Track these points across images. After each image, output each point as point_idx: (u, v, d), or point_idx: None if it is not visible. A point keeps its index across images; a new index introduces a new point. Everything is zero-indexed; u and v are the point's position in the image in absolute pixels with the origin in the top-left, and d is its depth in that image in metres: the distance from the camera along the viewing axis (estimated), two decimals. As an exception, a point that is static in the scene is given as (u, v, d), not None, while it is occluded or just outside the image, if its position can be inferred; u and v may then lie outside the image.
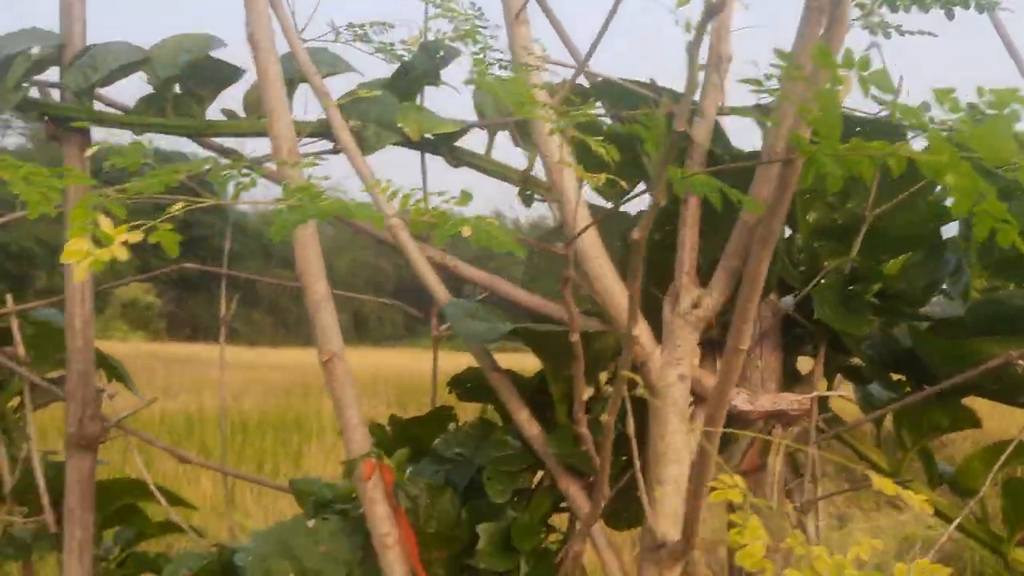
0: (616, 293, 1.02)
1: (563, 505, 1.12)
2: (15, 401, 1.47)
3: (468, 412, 1.26)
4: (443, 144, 1.21)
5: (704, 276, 1.03)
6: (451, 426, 1.19)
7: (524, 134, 1.24)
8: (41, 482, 1.33)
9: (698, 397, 1.03)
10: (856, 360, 1.08)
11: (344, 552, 1.05)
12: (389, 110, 1.15)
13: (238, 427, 7.33)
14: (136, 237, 0.51)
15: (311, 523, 1.06)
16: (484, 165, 1.23)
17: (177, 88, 1.19)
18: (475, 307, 1.04)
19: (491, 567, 1.01)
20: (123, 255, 0.49)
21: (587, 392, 1.08)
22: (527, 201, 1.27)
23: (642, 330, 1.02)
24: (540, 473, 1.13)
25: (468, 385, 1.19)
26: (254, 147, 1.35)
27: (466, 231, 0.64)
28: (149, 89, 1.22)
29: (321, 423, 7.81)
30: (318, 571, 1.03)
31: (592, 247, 1.03)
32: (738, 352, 0.69)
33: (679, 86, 1.10)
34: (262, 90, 0.96)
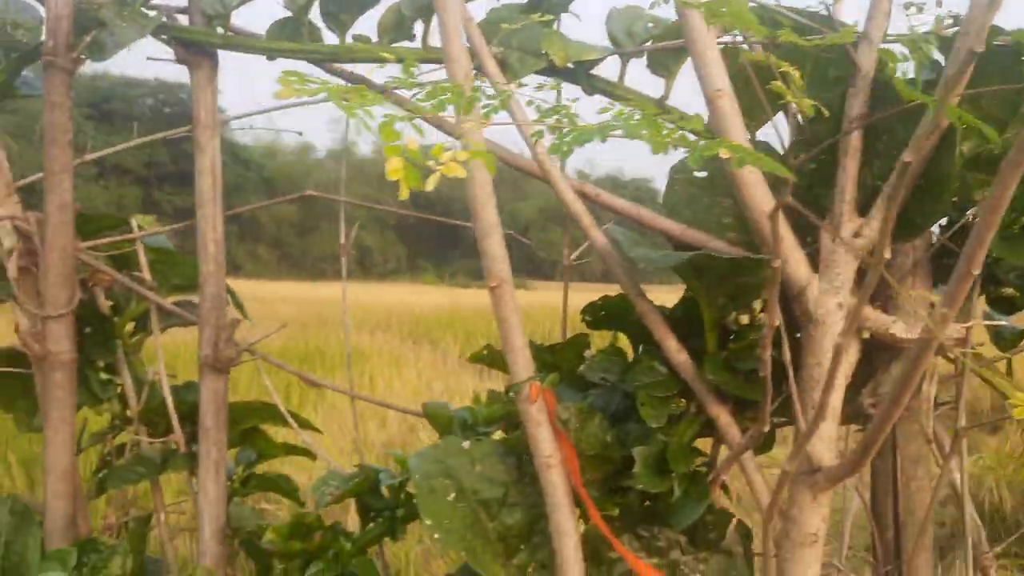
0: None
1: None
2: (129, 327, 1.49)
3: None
4: (580, 72, 1.20)
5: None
6: (586, 353, 1.21)
7: (659, 62, 1.24)
8: (171, 404, 1.36)
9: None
10: (1005, 291, 1.09)
11: (499, 473, 1.08)
12: (533, 36, 1.14)
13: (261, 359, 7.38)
14: (463, 156, 0.51)
15: (466, 444, 1.09)
16: (618, 93, 1.23)
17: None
18: (635, 234, 1.05)
19: (647, 488, 1.04)
20: (462, 173, 0.50)
21: (739, 320, 1.09)
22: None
23: (798, 258, 1.03)
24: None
25: (601, 312, 1.21)
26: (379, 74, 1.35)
27: (724, 153, 0.64)
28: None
29: (342, 355, 7.89)
30: (476, 490, 1.07)
31: (750, 174, 1.03)
32: (969, 276, 0.71)
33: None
34: (440, 9, 0.95)
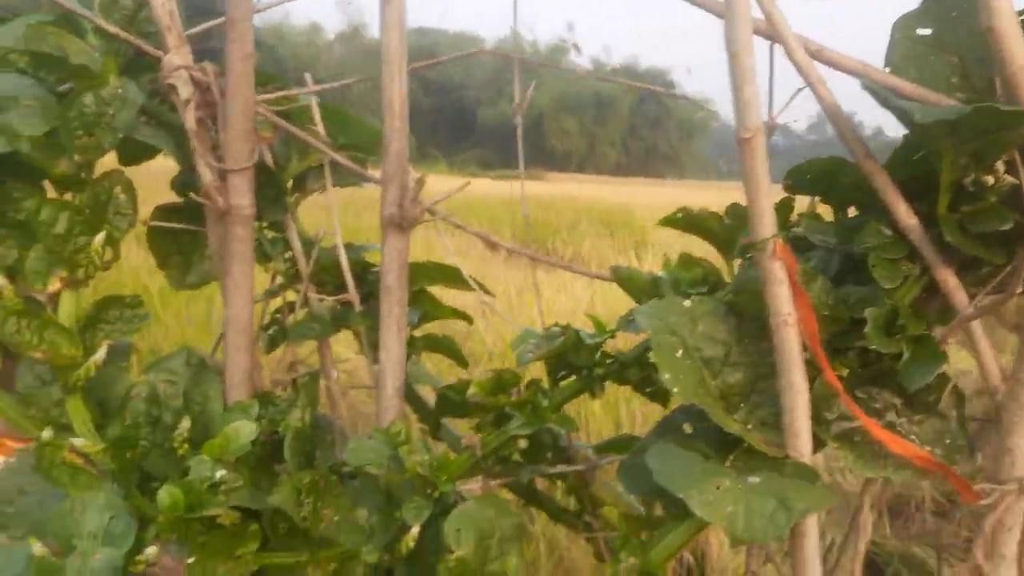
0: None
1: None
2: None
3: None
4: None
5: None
6: (792, 218, 1.19)
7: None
8: (345, 263, 1.34)
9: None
10: None
11: (720, 332, 1.08)
12: None
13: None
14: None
15: (687, 303, 1.08)
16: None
17: None
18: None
19: (880, 348, 1.03)
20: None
21: (981, 179, 1.06)
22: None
23: (1055, 118, 1.00)
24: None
25: (807, 176, 1.18)
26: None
27: None
28: None
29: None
30: (698, 348, 1.06)
31: (1008, 26, 0.98)
32: None
33: None
34: None
